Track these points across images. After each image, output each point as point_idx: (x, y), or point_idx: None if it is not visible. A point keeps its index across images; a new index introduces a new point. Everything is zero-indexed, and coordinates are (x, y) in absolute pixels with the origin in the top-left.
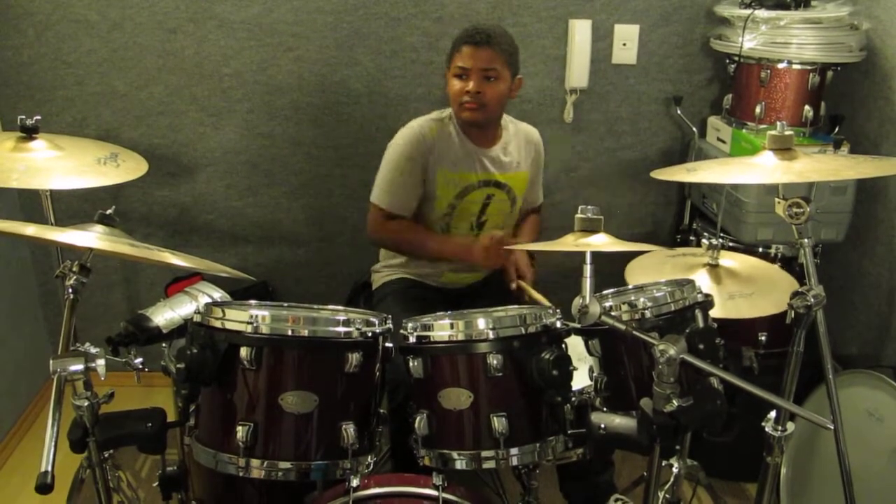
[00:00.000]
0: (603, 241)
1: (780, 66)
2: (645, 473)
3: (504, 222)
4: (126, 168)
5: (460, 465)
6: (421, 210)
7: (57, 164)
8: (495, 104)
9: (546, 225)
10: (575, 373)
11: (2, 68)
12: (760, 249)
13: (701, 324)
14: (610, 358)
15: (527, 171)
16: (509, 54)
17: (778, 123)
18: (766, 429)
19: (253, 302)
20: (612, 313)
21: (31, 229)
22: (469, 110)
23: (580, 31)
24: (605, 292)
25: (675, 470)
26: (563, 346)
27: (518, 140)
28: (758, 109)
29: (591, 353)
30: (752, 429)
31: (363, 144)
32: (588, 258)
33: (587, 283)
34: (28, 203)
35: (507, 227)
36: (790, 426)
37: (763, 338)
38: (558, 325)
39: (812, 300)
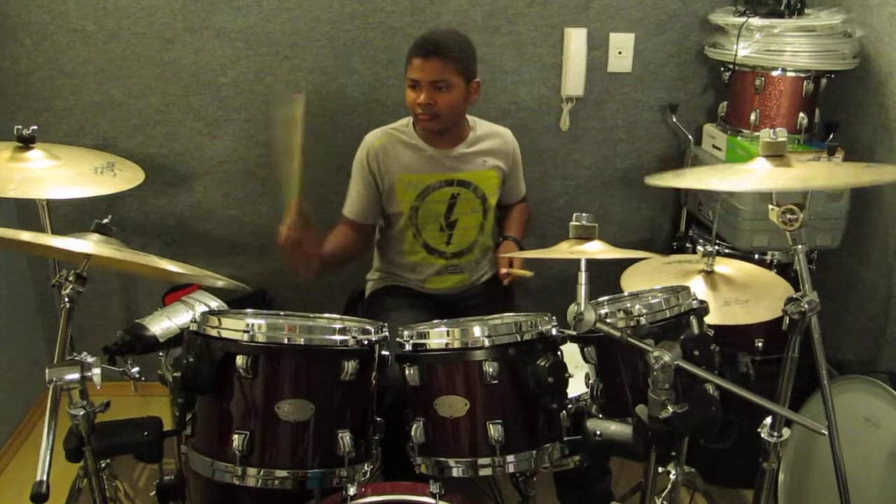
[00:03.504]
0: (598, 249)
1: (775, 73)
2: (642, 480)
3: (479, 222)
4: (123, 178)
5: (457, 472)
6: (389, 214)
7: (54, 174)
8: (449, 113)
9: (542, 232)
10: (571, 380)
11: None
12: (756, 256)
13: (696, 330)
14: (606, 365)
15: (496, 170)
16: (460, 61)
17: (769, 130)
18: (762, 435)
19: (249, 311)
20: (608, 320)
21: (29, 237)
22: (423, 120)
23: (576, 40)
24: (600, 299)
25: (672, 477)
26: (559, 353)
27: (487, 140)
28: (753, 117)
29: (586, 361)
30: (749, 435)
31: None
32: (583, 265)
33: (582, 291)
34: (25, 212)
35: (484, 226)
36: (786, 432)
37: (759, 344)
38: (554, 332)
39: (806, 306)
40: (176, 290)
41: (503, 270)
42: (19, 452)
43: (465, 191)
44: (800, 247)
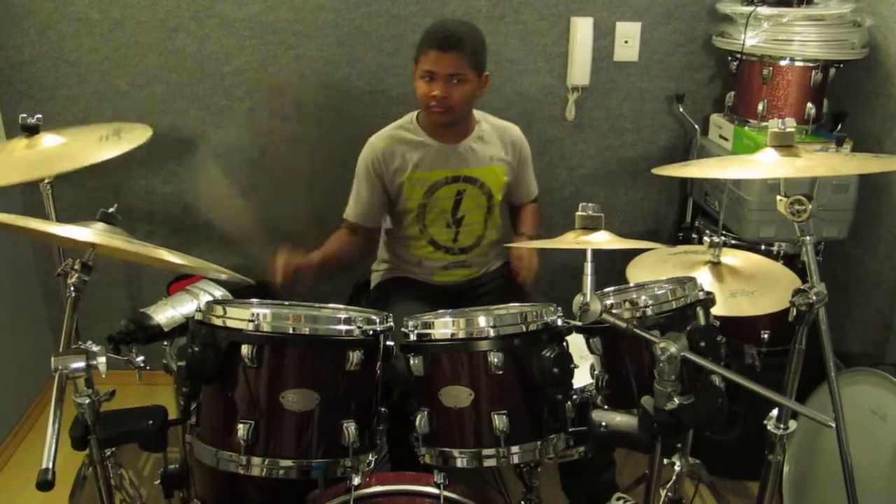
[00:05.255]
0: (604, 239)
1: (783, 63)
2: (647, 472)
3: (483, 217)
4: (128, 139)
5: (461, 463)
6: (396, 212)
7: (61, 151)
8: (462, 106)
9: (547, 222)
10: (576, 371)
11: (4, 67)
12: (763, 247)
13: (702, 321)
14: (611, 356)
15: (503, 166)
16: (474, 55)
17: (778, 120)
18: (769, 427)
19: (254, 300)
20: (614, 311)
21: (33, 224)
22: (436, 113)
23: (582, 29)
24: (606, 290)
25: (677, 468)
26: (564, 343)
27: (493, 135)
28: (760, 107)
29: (592, 351)
30: (754, 427)
31: (364, 142)
32: (589, 256)
33: (588, 281)
34: (30, 200)
35: (489, 221)
36: (792, 424)
37: (765, 335)
38: (559, 322)
39: (814, 298)
40: (180, 280)
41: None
42: (26, 440)
43: (471, 187)
44: (808, 238)
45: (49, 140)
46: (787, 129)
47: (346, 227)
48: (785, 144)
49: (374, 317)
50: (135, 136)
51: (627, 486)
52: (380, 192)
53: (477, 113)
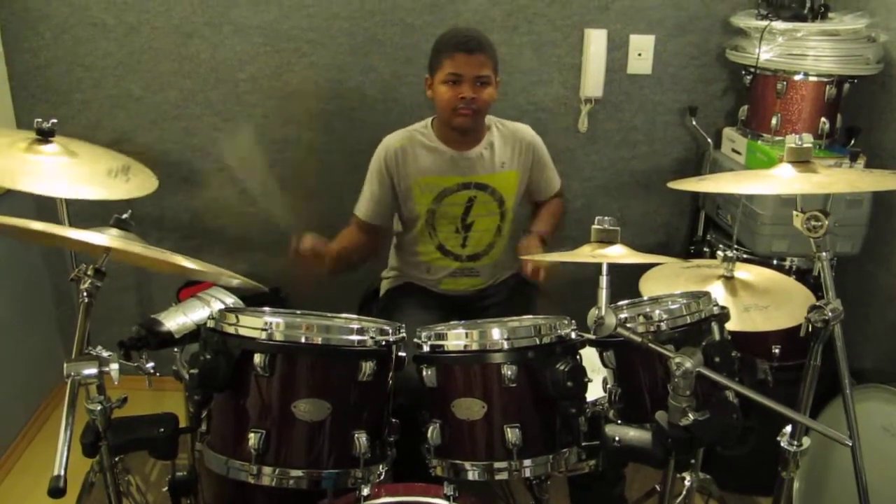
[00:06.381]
0: (620, 253)
1: (797, 77)
2: (656, 486)
3: (495, 225)
4: (136, 183)
5: (472, 475)
6: (405, 216)
7: (69, 172)
8: (485, 109)
9: (560, 233)
10: (589, 384)
11: (19, 71)
12: (775, 262)
13: (717, 336)
14: (624, 370)
15: (516, 170)
16: (495, 58)
17: (795, 135)
18: (782, 444)
19: (267, 309)
20: (628, 325)
21: (52, 230)
22: (464, 116)
23: (595, 41)
24: (620, 304)
25: (687, 483)
26: (578, 357)
27: (505, 140)
28: (774, 121)
29: (605, 365)
30: (765, 442)
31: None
32: (604, 270)
33: (603, 295)
34: (43, 206)
35: (501, 229)
36: (806, 441)
37: (776, 350)
38: (573, 335)
39: (830, 314)
40: (190, 286)
41: (529, 269)
42: (34, 443)
43: (482, 193)
44: (824, 254)
45: (58, 154)
46: (805, 145)
47: (354, 223)
48: (802, 160)
49: (386, 327)
50: (140, 184)
51: (637, 499)
52: (389, 191)
53: (487, 118)
